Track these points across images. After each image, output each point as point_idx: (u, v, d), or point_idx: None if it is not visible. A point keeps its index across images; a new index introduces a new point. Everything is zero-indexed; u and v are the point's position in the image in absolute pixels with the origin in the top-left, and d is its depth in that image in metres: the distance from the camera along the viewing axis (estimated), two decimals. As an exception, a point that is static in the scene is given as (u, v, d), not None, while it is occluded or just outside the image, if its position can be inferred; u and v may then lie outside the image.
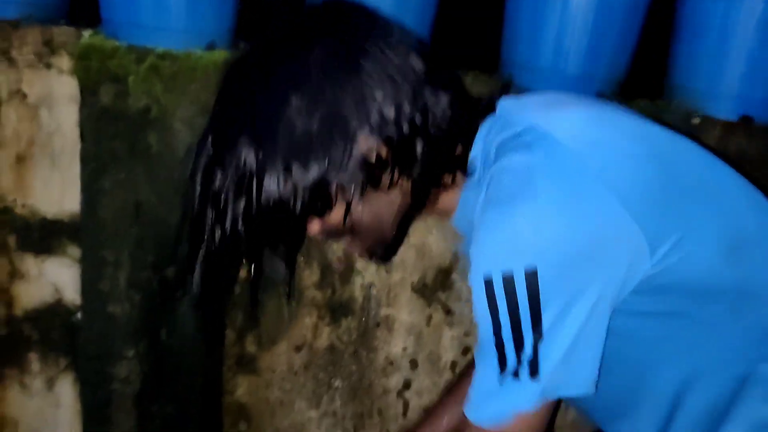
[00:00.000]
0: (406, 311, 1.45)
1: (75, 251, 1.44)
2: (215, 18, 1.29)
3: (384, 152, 0.84)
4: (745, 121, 1.27)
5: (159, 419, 1.45)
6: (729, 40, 1.24)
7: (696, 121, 1.32)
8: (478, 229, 0.81)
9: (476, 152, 0.91)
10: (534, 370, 0.79)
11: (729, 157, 0.93)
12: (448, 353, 1.47)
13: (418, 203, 0.91)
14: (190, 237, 0.89)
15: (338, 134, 0.82)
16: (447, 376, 1.48)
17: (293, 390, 1.49)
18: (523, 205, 0.78)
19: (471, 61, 1.35)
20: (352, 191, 0.85)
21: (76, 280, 1.45)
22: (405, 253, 1.41)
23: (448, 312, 1.45)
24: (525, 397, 0.81)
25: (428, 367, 1.48)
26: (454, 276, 1.43)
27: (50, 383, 1.52)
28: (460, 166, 0.91)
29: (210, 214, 0.85)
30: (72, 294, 1.47)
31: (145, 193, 1.31)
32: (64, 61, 1.35)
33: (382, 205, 0.89)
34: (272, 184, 0.83)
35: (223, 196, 0.84)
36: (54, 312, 1.48)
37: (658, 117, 0.98)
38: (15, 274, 1.47)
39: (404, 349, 1.47)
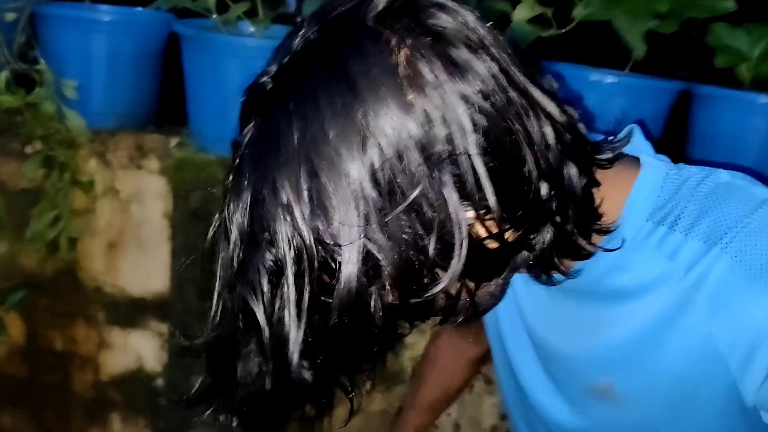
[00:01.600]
0: (450, 381, 1.63)
1: (157, 326, 1.63)
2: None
3: (503, 232, 0.61)
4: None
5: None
6: (740, 147, 1.43)
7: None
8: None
9: (638, 206, 0.70)
10: None
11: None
12: (488, 419, 1.65)
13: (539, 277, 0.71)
14: (211, 366, 0.63)
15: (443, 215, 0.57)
16: (486, 438, 1.67)
17: (349, 449, 1.67)
18: None
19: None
20: (459, 288, 0.63)
21: (157, 351, 1.64)
22: (450, 330, 1.60)
23: (488, 381, 1.63)
24: None
25: (470, 430, 1.66)
26: (494, 351, 1.62)
27: (131, 442, 1.71)
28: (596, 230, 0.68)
29: (243, 328, 0.59)
30: (152, 362, 1.65)
31: (227, 282, 1.50)
32: (154, 164, 1.55)
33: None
34: (350, 268, 0.56)
35: (266, 296, 0.57)
36: (136, 378, 1.67)
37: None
38: (102, 344, 1.66)
39: (448, 414, 1.65)
